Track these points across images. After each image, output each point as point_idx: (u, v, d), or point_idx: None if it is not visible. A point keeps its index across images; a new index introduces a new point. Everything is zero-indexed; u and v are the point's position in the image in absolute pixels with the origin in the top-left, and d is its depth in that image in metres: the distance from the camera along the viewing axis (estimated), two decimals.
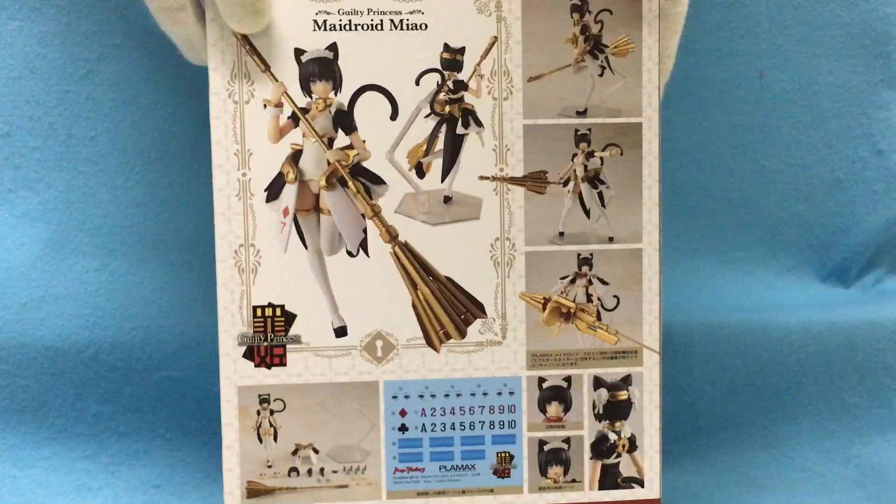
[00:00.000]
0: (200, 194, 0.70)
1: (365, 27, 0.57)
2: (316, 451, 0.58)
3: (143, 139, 0.69)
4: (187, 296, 0.70)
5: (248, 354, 0.57)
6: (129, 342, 0.70)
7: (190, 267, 0.70)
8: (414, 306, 0.58)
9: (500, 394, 0.59)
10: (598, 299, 0.59)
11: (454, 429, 0.58)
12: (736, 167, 0.76)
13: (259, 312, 0.57)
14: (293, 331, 0.57)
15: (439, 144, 0.58)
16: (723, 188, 0.76)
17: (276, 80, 0.56)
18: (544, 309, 0.58)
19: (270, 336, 0.57)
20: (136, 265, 0.70)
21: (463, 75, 0.58)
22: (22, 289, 0.68)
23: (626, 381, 0.59)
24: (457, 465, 0.59)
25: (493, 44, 0.58)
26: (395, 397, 0.58)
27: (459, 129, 0.58)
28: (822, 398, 0.75)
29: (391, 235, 0.57)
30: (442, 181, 0.58)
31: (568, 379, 0.59)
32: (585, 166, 0.58)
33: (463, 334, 0.58)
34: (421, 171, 0.58)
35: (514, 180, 0.58)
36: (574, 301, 0.59)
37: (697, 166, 0.76)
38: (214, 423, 0.59)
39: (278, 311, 0.57)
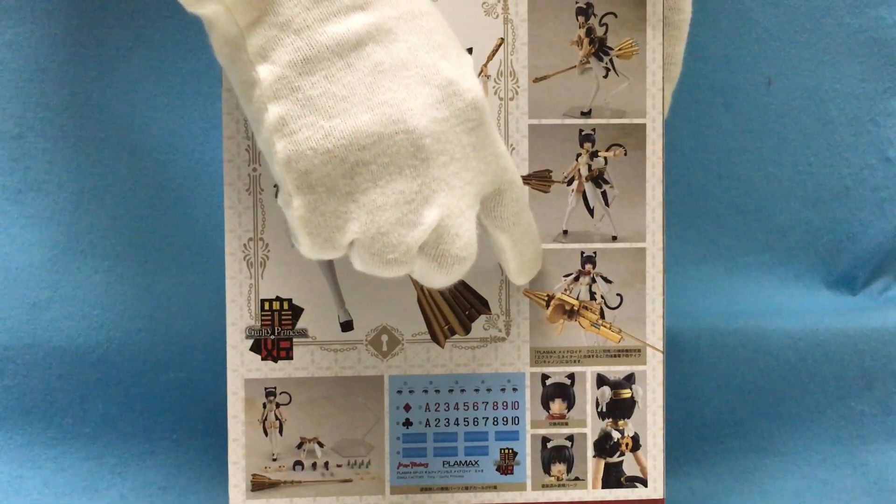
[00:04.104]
0: (209, 197, 0.70)
1: None
2: (321, 445, 0.58)
3: (152, 141, 0.70)
4: (195, 298, 0.71)
5: (255, 347, 0.57)
6: (136, 344, 0.70)
7: (198, 269, 0.71)
8: (419, 302, 0.58)
9: (503, 390, 0.59)
10: (602, 297, 0.59)
11: (458, 424, 0.59)
12: (743, 174, 0.76)
13: (267, 306, 0.57)
14: (300, 324, 0.57)
15: None
16: (730, 194, 0.76)
17: None
18: (548, 306, 0.59)
19: (277, 329, 0.57)
20: (145, 267, 0.70)
21: None
22: (31, 289, 0.69)
23: (630, 379, 0.59)
24: (460, 461, 0.59)
25: (499, 45, 0.58)
26: (399, 392, 0.58)
27: None
28: (830, 405, 0.75)
29: None
30: None
31: (571, 376, 0.59)
32: (589, 166, 0.59)
33: (467, 330, 0.58)
34: None
35: None
36: (577, 299, 0.59)
37: (705, 172, 0.76)
38: (221, 424, 0.59)
39: (286, 305, 0.57)
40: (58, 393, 0.70)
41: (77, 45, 0.68)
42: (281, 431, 0.58)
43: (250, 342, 0.57)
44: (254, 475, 0.58)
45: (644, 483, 0.60)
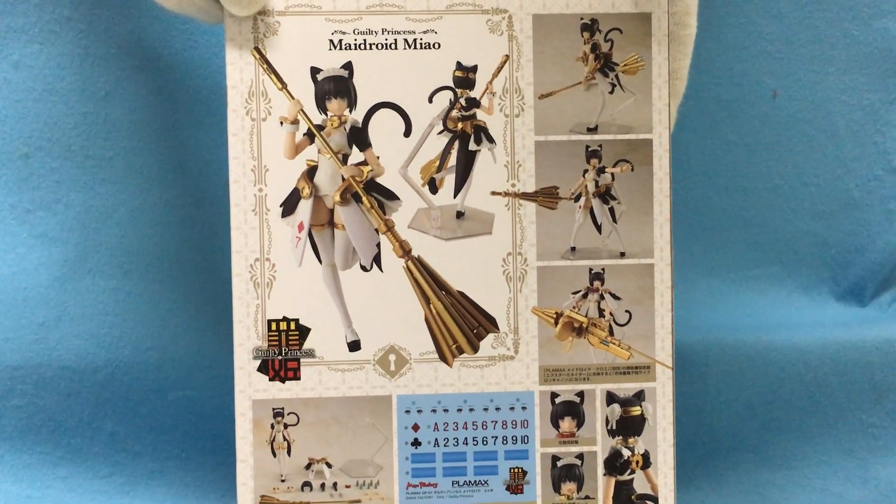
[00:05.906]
0: (216, 215, 0.70)
1: (380, 46, 0.58)
2: (329, 466, 0.58)
3: (159, 160, 0.70)
4: (203, 316, 0.71)
5: (263, 368, 0.57)
6: (144, 362, 0.70)
7: (206, 287, 0.71)
8: (427, 321, 0.58)
9: (512, 409, 0.59)
10: (611, 314, 0.59)
11: (467, 444, 0.58)
12: (750, 186, 0.76)
13: (274, 326, 0.57)
14: (307, 345, 0.57)
15: (452, 160, 0.58)
16: (737, 207, 0.76)
17: (293, 98, 0.57)
18: (556, 324, 0.58)
19: (285, 350, 0.57)
20: (153, 285, 0.70)
21: (475, 93, 0.58)
22: (39, 308, 0.69)
23: (640, 396, 0.59)
24: (469, 481, 0.59)
25: (504, 62, 0.58)
26: (407, 412, 0.58)
27: (472, 146, 0.58)
28: (840, 418, 0.74)
29: (404, 250, 0.58)
30: (454, 196, 0.58)
31: (581, 394, 0.59)
32: (596, 182, 0.59)
33: (475, 349, 0.58)
34: (434, 187, 0.58)
35: (525, 196, 0.58)
36: (586, 316, 0.59)
37: (711, 185, 0.76)
38: (229, 443, 0.59)
39: (293, 325, 0.57)
40: (66, 412, 0.70)
41: (85, 65, 0.68)
42: (289, 452, 0.58)
43: (258, 363, 0.57)
44: (262, 496, 0.58)
45: (655, 501, 0.59)
